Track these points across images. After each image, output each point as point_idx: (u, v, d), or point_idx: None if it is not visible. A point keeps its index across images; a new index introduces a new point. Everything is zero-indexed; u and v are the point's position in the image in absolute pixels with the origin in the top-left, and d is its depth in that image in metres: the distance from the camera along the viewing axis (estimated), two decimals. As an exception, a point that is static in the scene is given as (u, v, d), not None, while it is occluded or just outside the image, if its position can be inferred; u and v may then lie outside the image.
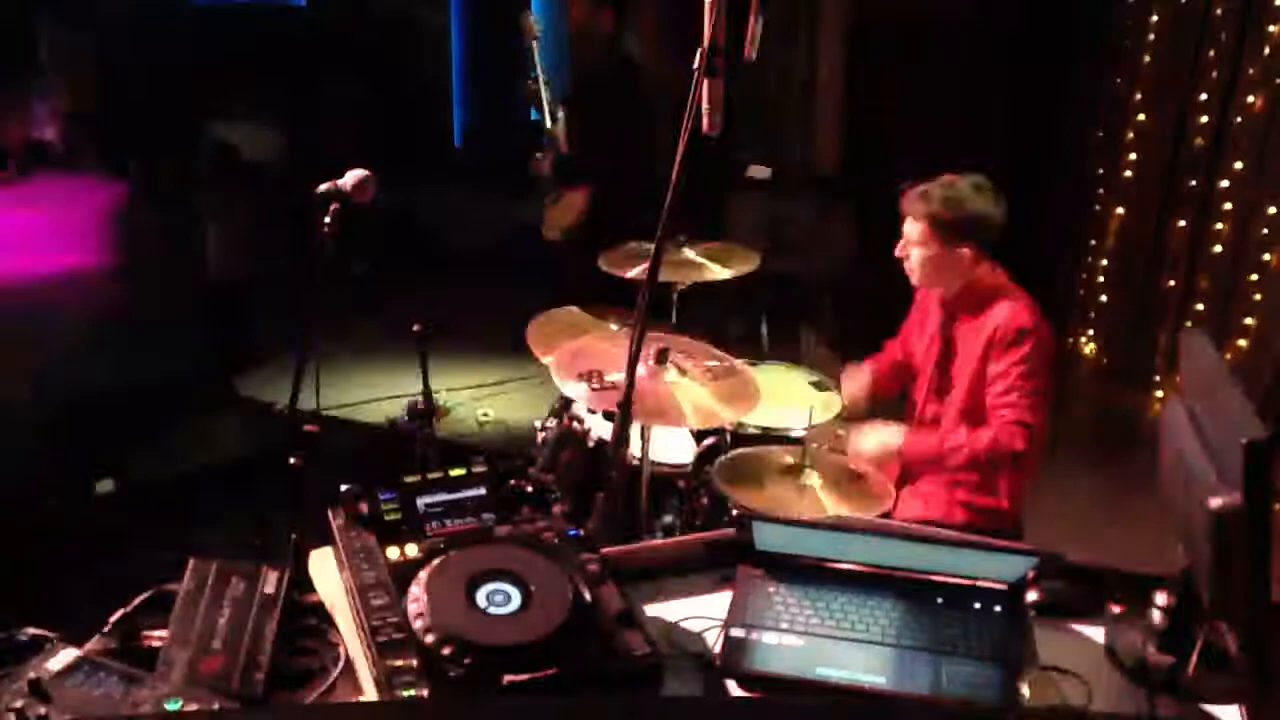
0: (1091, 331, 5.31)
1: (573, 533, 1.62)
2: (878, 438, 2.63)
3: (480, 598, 1.45)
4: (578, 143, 4.17)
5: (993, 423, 2.48)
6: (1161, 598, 1.58)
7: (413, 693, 1.33)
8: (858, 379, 2.92)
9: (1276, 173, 4.32)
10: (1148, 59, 4.87)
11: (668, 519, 2.83)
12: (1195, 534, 1.35)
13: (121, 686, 1.38)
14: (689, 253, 3.24)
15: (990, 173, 2.59)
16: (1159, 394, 4.86)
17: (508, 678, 1.35)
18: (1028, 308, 2.52)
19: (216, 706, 1.36)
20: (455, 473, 1.69)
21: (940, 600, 1.67)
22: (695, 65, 1.78)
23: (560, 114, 4.24)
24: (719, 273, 3.18)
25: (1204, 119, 4.64)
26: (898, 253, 2.63)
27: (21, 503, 3.83)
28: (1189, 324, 4.73)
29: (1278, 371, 4.11)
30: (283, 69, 8.08)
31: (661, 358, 2.48)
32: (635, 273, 3.07)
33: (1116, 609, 1.69)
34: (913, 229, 2.58)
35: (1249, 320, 4.44)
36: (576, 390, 2.42)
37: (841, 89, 5.69)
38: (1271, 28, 4.30)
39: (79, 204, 5.25)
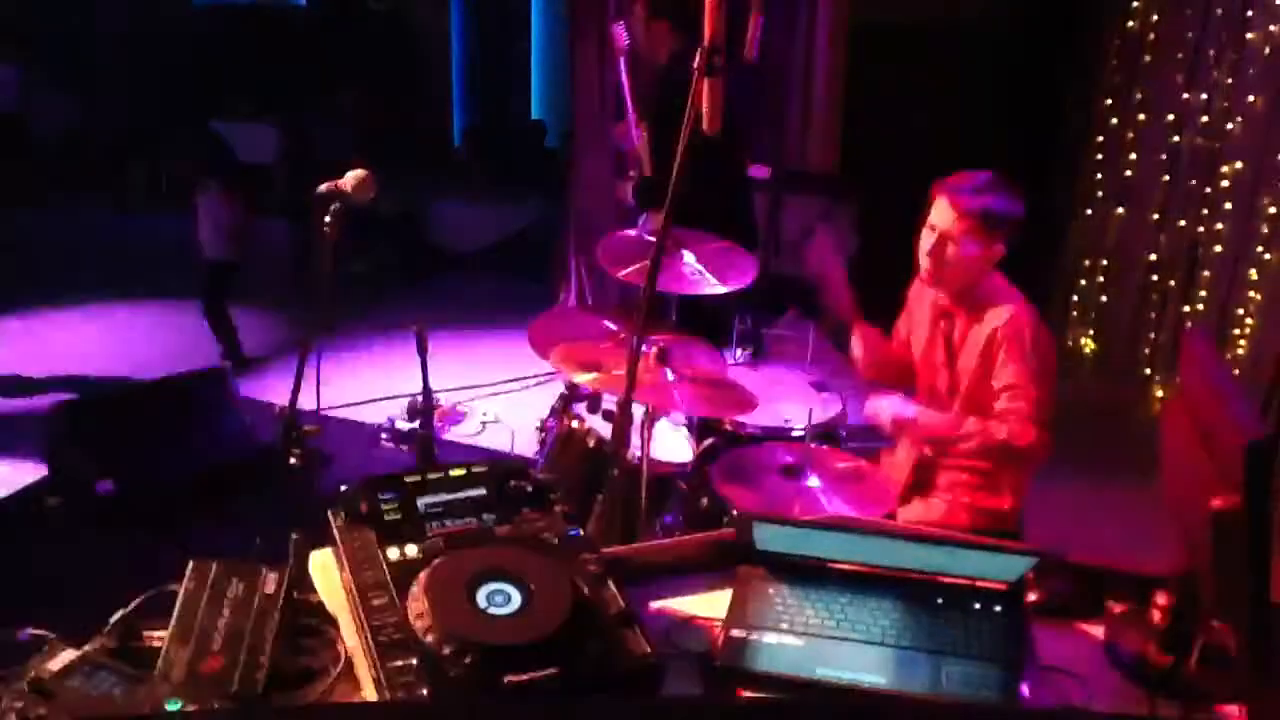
0: (1091, 331, 5.32)
1: (573, 533, 1.62)
2: (894, 403, 2.53)
3: (480, 598, 1.45)
4: (662, 165, 3.88)
5: (1004, 422, 2.46)
6: (1161, 598, 1.58)
7: (413, 693, 1.33)
8: (869, 338, 2.80)
9: (1276, 173, 4.32)
10: (1148, 59, 4.88)
11: (668, 519, 2.83)
12: (1195, 534, 1.35)
13: (121, 686, 1.38)
14: (688, 260, 3.20)
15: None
16: (1158, 393, 4.86)
17: (508, 678, 1.35)
18: (1027, 310, 2.50)
19: (216, 706, 1.36)
20: (455, 473, 1.68)
21: (940, 600, 1.66)
22: (695, 65, 1.79)
23: (643, 135, 3.99)
24: (716, 287, 3.11)
25: (1204, 119, 4.64)
26: (923, 247, 2.48)
27: (23, 502, 3.85)
28: (1189, 324, 4.74)
29: (1278, 371, 4.11)
30: (283, 69, 8.09)
31: (662, 357, 2.48)
32: (626, 273, 2.98)
33: (1116, 609, 1.69)
34: (953, 222, 2.42)
35: (1249, 320, 4.44)
36: (583, 378, 2.42)
37: (841, 89, 5.68)
38: (1272, 27, 4.30)
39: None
